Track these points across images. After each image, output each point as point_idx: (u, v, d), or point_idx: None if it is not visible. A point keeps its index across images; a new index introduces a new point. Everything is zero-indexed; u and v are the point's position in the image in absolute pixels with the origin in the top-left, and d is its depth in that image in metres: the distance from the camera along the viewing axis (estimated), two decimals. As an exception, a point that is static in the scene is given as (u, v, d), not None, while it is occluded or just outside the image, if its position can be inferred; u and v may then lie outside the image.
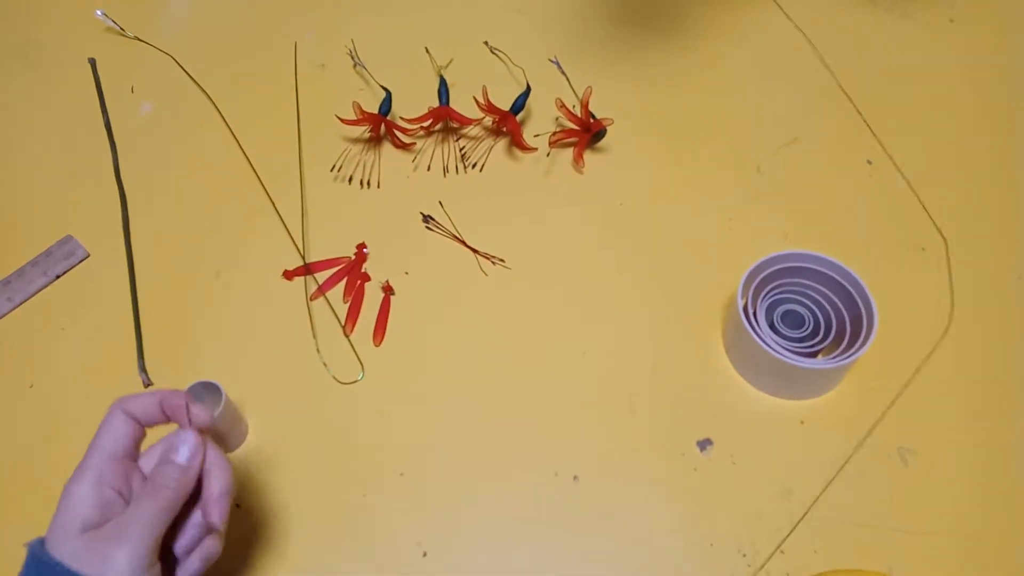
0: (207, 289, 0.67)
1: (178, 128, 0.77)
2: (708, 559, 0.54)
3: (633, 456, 0.59)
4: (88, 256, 0.69)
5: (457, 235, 0.69)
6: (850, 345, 0.58)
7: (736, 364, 0.62)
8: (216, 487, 0.44)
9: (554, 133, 0.73)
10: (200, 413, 0.45)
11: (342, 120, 0.72)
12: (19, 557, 0.55)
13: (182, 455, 0.44)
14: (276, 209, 0.70)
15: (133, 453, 0.45)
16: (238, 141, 0.75)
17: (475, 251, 0.68)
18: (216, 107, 0.78)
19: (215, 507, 0.44)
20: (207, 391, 0.56)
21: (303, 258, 0.68)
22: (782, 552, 0.55)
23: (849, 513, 0.56)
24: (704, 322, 0.65)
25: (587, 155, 0.73)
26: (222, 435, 0.57)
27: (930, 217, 0.70)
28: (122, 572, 0.39)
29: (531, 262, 0.68)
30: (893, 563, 0.54)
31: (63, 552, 0.40)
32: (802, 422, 0.60)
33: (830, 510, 0.56)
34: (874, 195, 0.72)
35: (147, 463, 0.46)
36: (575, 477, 0.58)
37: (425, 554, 0.55)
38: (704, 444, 0.59)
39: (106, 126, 0.77)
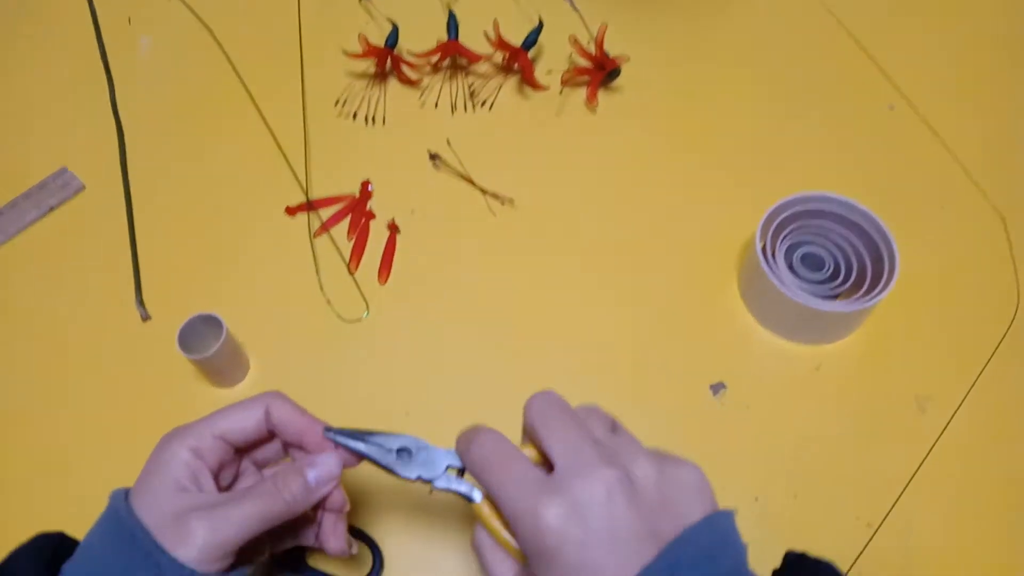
0: (207, 224, 0.65)
1: (177, 61, 0.74)
2: (720, 503, 0.53)
3: (644, 401, 0.57)
4: (83, 188, 0.67)
5: (465, 174, 0.67)
6: (870, 289, 0.56)
7: (752, 308, 0.60)
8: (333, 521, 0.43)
9: (566, 71, 0.71)
10: (346, 455, 0.42)
11: (347, 54, 0.70)
12: (16, 499, 0.54)
13: (314, 474, 0.40)
14: (278, 144, 0.68)
15: (239, 448, 0.42)
16: (239, 75, 0.72)
17: (483, 191, 0.66)
18: (216, 40, 0.75)
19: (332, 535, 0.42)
20: (207, 324, 0.54)
21: (306, 194, 0.65)
22: (795, 497, 0.54)
23: (865, 460, 0.55)
24: (719, 266, 0.63)
25: (600, 94, 0.71)
26: (222, 370, 0.56)
27: (958, 161, 0.68)
28: (194, 556, 0.36)
29: (541, 203, 0.66)
30: (909, 510, 0.53)
31: (151, 515, 0.36)
32: (818, 368, 0.59)
33: (846, 456, 0.55)
34: (896, 141, 0.70)
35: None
36: (585, 419, 0.56)
37: (431, 492, 0.53)
38: (717, 388, 0.58)
39: (102, 58, 0.74)
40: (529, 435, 0.39)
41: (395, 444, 0.41)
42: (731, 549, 0.34)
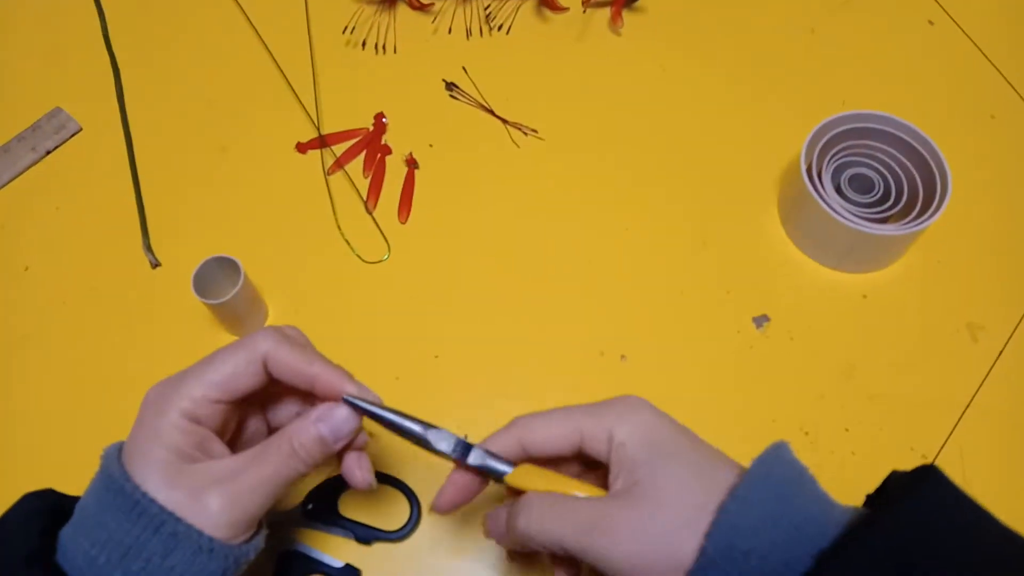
0: (214, 164, 0.61)
1: (168, -9, 0.70)
2: (769, 436, 0.51)
3: (684, 334, 0.55)
4: (80, 130, 0.63)
5: (484, 104, 0.63)
6: (921, 212, 0.53)
7: (794, 236, 0.57)
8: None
9: (588, -10, 0.66)
10: (362, 436, 0.38)
11: (353, -23, 0.65)
12: (21, 454, 0.51)
13: (329, 427, 0.36)
14: (285, 76, 0.64)
15: (239, 402, 0.37)
16: (239, 3, 0.68)
17: (505, 121, 0.62)
18: (211, -34, 0.70)
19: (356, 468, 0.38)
20: (222, 268, 0.51)
21: (318, 129, 0.62)
22: (847, 430, 0.51)
23: (916, 390, 0.53)
24: (757, 194, 0.60)
25: (625, 15, 0.67)
26: (240, 316, 0.53)
27: (1003, 77, 0.64)
28: (213, 523, 0.32)
29: (567, 132, 0.62)
30: (962, 441, 0.51)
31: (151, 482, 0.32)
32: (865, 296, 0.56)
33: (896, 387, 0.53)
34: (938, 57, 0.66)
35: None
36: (623, 357, 0.54)
37: (466, 436, 0.51)
38: (760, 321, 0.55)
39: (90, -11, 0.69)
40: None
41: (416, 428, 0.38)
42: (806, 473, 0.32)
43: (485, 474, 0.37)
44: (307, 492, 0.49)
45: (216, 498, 0.33)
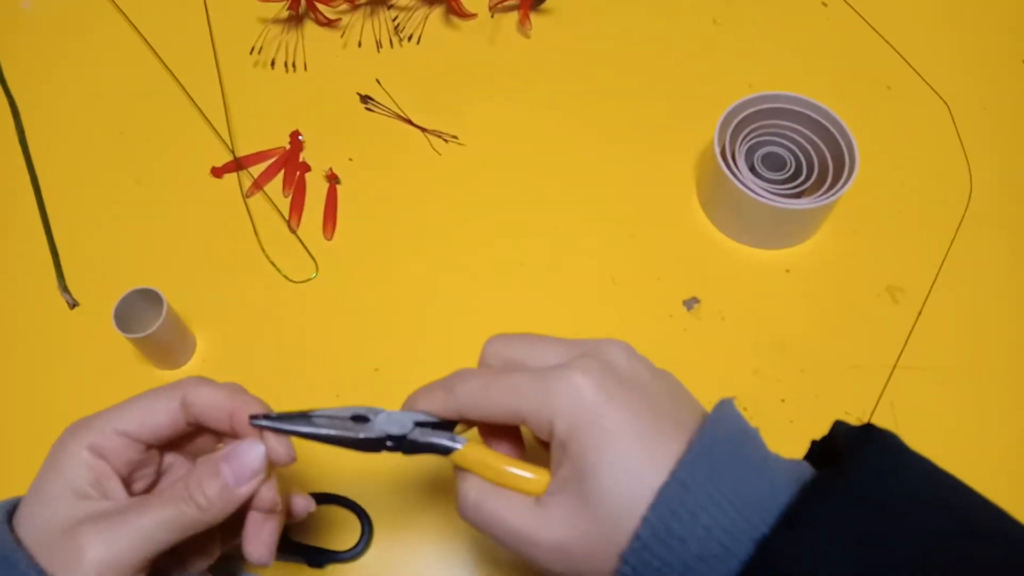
0: (127, 196, 0.59)
1: (68, 22, 0.67)
2: (710, 416, 0.52)
3: (619, 323, 0.55)
4: (-20, 173, 0.60)
5: (401, 114, 0.63)
6: (832, 184, 0.55)
7: (715, 218, 0.58)
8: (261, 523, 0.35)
9: (494, -5, 0.67)
10: (280, 448, 0.34)
11: (256, -3, 0.64)
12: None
13: (232, 471, 0.33)
14: (194, 101, 0.62)
15: (153, 445, 0.35)
16: (138, 30, 0.66)
17: (424, 129, 0.62)
18: (107, -5, 0.68)
19: (254, 538, 0.34)
20: (145, 300, 0.49)
21: (232, 152, 0.60)
22: (783, 401, 0.53)
23: (845, 356, 0.54)
24: (677, 181, 0.61)
25: (533, 17, 0.67)
26: (166, 349, 0.51)
27: (896, 52, 0.67)
28: (90, 571, 0.30)
29: (487, 136, 0.62)
30: (893, 400, 0.53)
31: (37, 530, 0.31)
32: (788, 271, 0.57)
33: (826, 355, 0.54)
34: (832, 37, 0.69)
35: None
36: (561, 352, 0.54)
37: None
38: (690, 303, 0.56)
39: (-21, 28, 0.67)
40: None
41: (347, 414, 0.35)
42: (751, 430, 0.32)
43: (431, 451, 0.35)
44: (253, 521, 0.47)
45: (95, 540, 0.30)
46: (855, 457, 0.30)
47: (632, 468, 0.30)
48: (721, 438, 0.30)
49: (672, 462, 0.30)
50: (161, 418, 0.34)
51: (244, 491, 0.33)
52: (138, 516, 0.31)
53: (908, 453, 0.31)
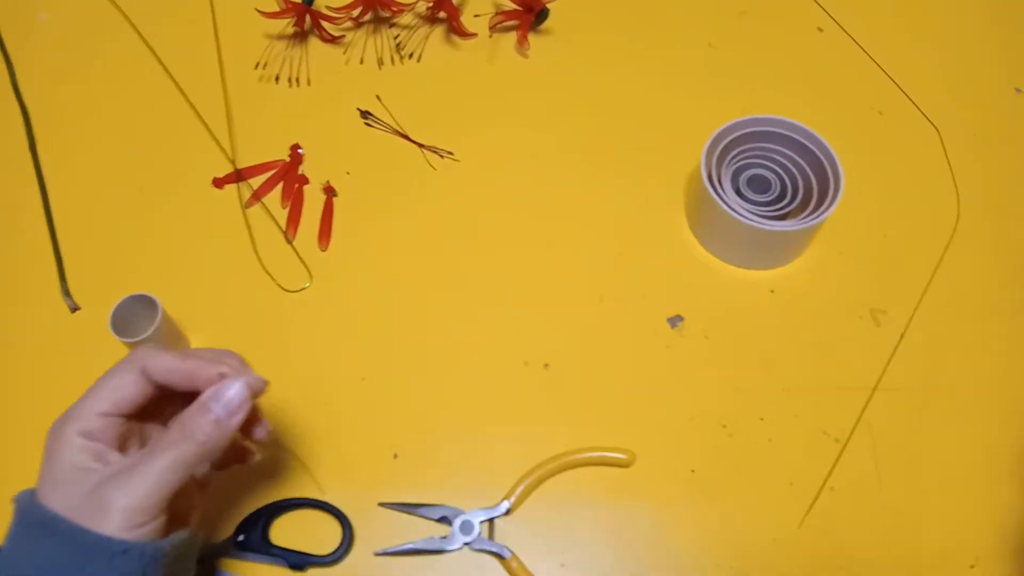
0: (131, 205, 0.61)
1: (81, 35, 0.69)
2: (688, 433, 0.53)
3: (604, 340, 0.56)
4: (-9, 179, 0.62)
5: (399, 130, 0.64)
6: (817, 206, 0.56)
7: (702, 239, 0.59)
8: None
9: (494, 16, 0.68)
10: (257, 381, 0.39)
11: (262, 13, 0.66)
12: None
13: (221, 406, 0.37)
14: (199, 114, 0.64)
15: (132, 415, 0.39)
16: (148, 44, 0.68)
17: (420, 145, 0.64)
18: (118, 8, 0.70)
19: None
20: (141, 306, 0.51)
21: (233, 163, 0.62)
22: (762, 420, 0.53)
23: (826, 376, 0.55)
24: (667, 201, 0.62)
25: (532, 38, 0.69)
26: (162, 353, 0.53)
27: (889, 77, 0.68)
28: (118, 526, 0.34)
29: (482, 153, 0.64)
30: (872, 421, 0.53)
31: (59, 502, 0.35)
32: (772, 291, 0.58)
33: (807, 375, 0.55)
34: (828, 61, 0.70)
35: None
36: (546, 365, 0.55)
37: (396, 456, 0.52)
38: (675, 321, 0.57)
39: (-3, 39, 0.69)
40: None
41: (436, 514, 0.49)
42: None
43: None
44: (237, 523, 0.49)
45: (117, 494, 0.34)
46: None
47: None
48: None
49: None
50: (130, 390, 0.38)
51: (236, 420, 0.37)
52: (148, 465, 0.35)
53: None
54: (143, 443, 0.40)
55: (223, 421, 0.37)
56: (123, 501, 0.34)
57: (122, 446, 0.38)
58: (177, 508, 0.39)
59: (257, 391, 0.39)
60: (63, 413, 0.37)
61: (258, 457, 0.43)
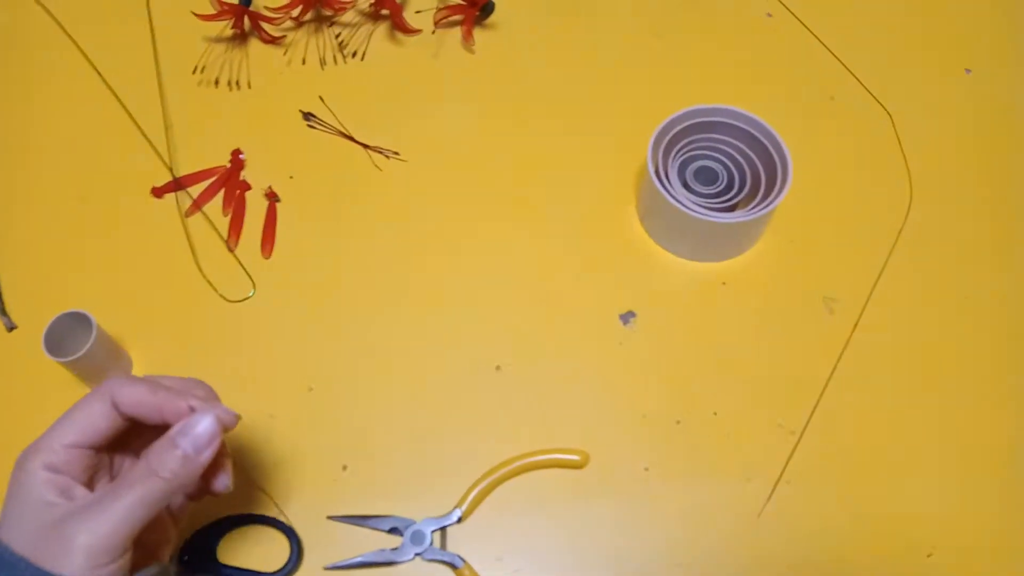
0: (67, 217, 0.59)
1: (9, 41, 0.67)
2: (641, 431, 0.52)
3: (556, 339, 0.55)
4: (-80, 196, 0.60)
5: (343, 131, 0.63)
6: (766, 196, 0.55)
7: (653, 233, 0.58)
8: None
9: (438, 11, 0.67)
10: (226, 416, 0.37)
11: (199, 16, 0.64)
12: None
13: (189, 442, 0.36)
14: (135, 122, 0.63)
15: (101, 447, 0.38)
16: (81, 49, 0.66)
17: (365, 146, 0.62)
18: (50, 13, 0.68)
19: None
20: (76, 323, 0.50)
21: (171, 172, 0.60)
22: (715, 414, 0.53)
23: (781, 366, 0.55)
24: (617, 196, 0.61)
25: (477, 32, 0.68)
26: (99, 371, 0.51)
27: (840, 62, 0.68)
28: (80, 565, 0.33)
29: (428, 152, 0.63)
30: (827, 410, 0.53)
31: (20, 539, 0.34)
32: (724, 283, 0.58)
33: (761, 366, 0.55)
34: (777, 48, 0.69)
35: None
36: (497, 367, 0.54)
37: (345, 467, 0.51)
38: (627, 317, 0.56)
39: (-76, 50, 0.67)
40: None
41: (386, 525, 0.48)
42: None
43: None
44: (182, 543, 0.47)
45: (79, 532, 0.33)
46: None
47: None
48: None
49: None
50: (99, 421, 0.37)
51: (205, 457, 0.36)
52: (112, 502, 0.34)
53: None
54: (113, 476, 0.39)
55: (191, 458, 0.36)
56: (85, 539, 0.33)
57: (90, 479, 0.37)
58: (147, 541, 0.38)
59: (228, 425, 0.37)
60: (30, 445, 0.36)
61: (231, 487, 0.41)
